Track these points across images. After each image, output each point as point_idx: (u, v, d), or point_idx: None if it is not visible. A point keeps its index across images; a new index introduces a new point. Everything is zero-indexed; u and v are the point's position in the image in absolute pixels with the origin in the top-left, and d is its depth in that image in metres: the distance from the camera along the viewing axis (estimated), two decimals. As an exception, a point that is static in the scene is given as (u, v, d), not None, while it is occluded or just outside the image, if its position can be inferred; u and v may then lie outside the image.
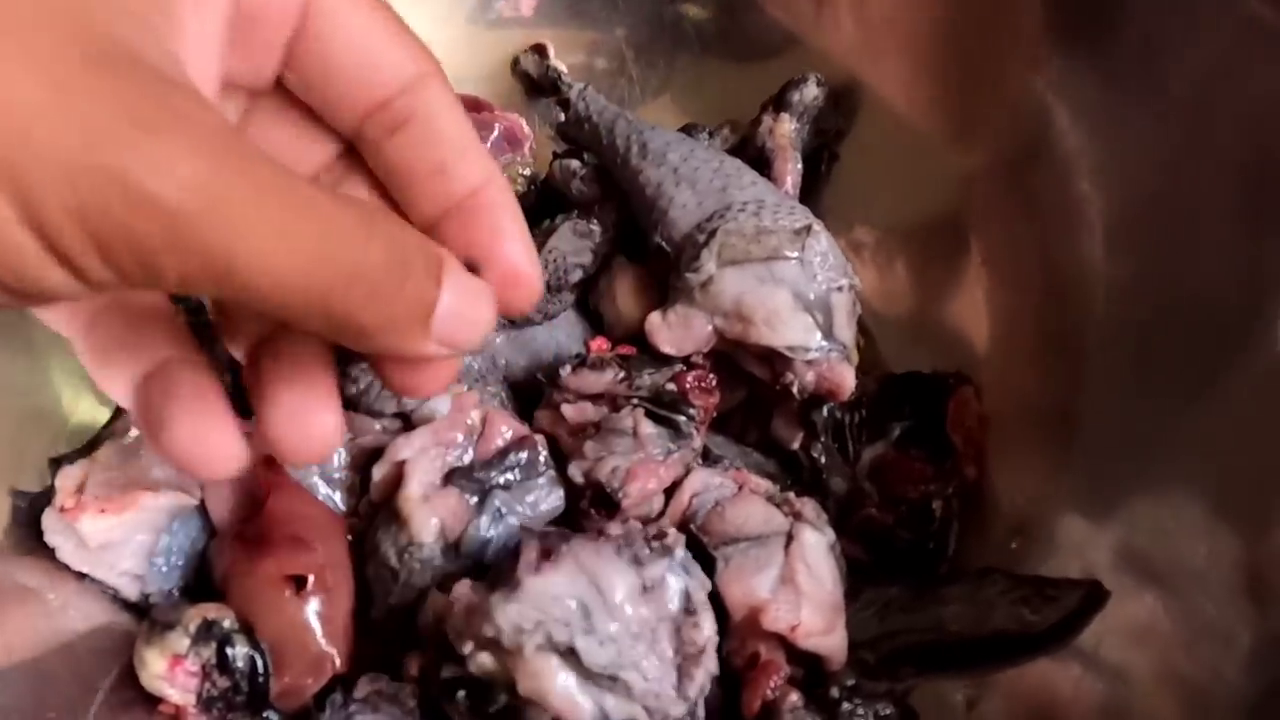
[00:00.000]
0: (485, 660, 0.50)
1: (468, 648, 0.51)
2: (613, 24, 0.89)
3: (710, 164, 0.73)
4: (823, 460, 0.70)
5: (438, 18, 0.86)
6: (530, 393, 0.72)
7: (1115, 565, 0.56)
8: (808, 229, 0.67)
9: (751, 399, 0.74)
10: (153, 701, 0.56)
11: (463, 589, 0.54)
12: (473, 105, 0.82)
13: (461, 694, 0.51)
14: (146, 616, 0.58)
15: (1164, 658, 0.54)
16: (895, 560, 0.65)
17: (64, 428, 0.65)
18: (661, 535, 0.55)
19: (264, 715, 0.56)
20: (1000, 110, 0.72)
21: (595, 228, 0.75)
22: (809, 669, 0.57)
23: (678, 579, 0.53)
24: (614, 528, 0.55)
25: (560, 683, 0.48)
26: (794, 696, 0.53)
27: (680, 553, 0.53)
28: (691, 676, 0.50)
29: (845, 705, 0.52)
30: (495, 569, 0.54)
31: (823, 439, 0.70)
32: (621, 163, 0.76)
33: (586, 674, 0.49)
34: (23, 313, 0.65)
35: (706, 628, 0.51)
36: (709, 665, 0.51)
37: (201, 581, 0.62)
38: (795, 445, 0.71)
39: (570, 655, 0.49)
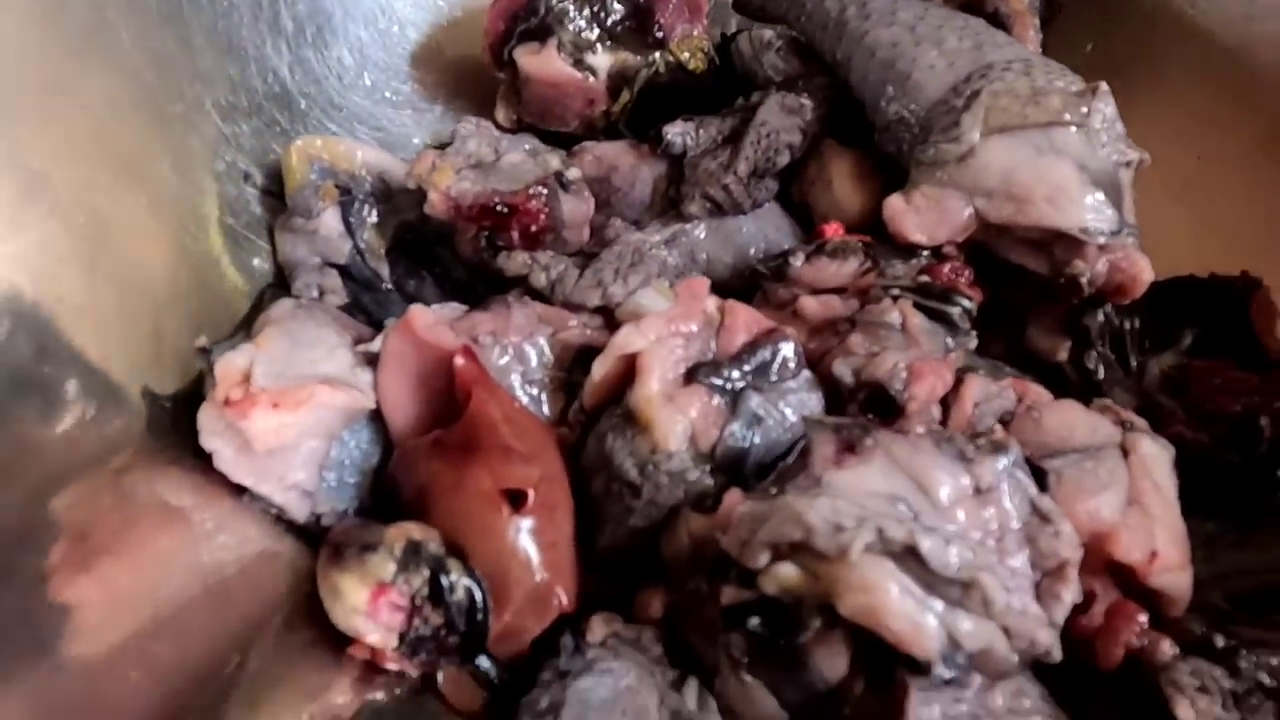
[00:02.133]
0: (788, 574, 0.41)
1: (762, 559, 0.42)
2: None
3: (954, 21, 0.64)
4: (1101, 372, 0.61)
5: None
6: (736, 293, 0.63)
7: None
8: (1093, 90, 0.58)
9: (992, 306, 0.65)
10: (340, 642, 0.47)
11: (735, 498, 0.46)
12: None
13: (755, 621, 0.42)
14: (322, 541, 0.49)
15: None
16: (1213, 490, 0.56)
17: (209, 315, 0.56)
18: (983, 433, 0.46)
19: (476, 663, 0.47)
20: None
21: (806, 102, 0.66)
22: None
23: (1016, 484, 0.44)
24: (918, 425, 0.47)
25: (899, 597, 0.39)
26: (1167, 645, 0.44)
27: (1015, 453, 0.45)
28: (1058, 597, 0.42)
29: (1246, 658, 0.42)
30: (780, 473, 0.46)
31: (1098, 348, 0.61)
32: (835, 27, 0.67)
33: (930, 584, 0.40)
34: (163, 185, 0.57)
35: (1068, 534, 0.43)
36: (1075, 586, 0.42)
37: (378, 503, 0.53)
38: (1061, 357, 0.62)
39: (909, 558, 0.40)
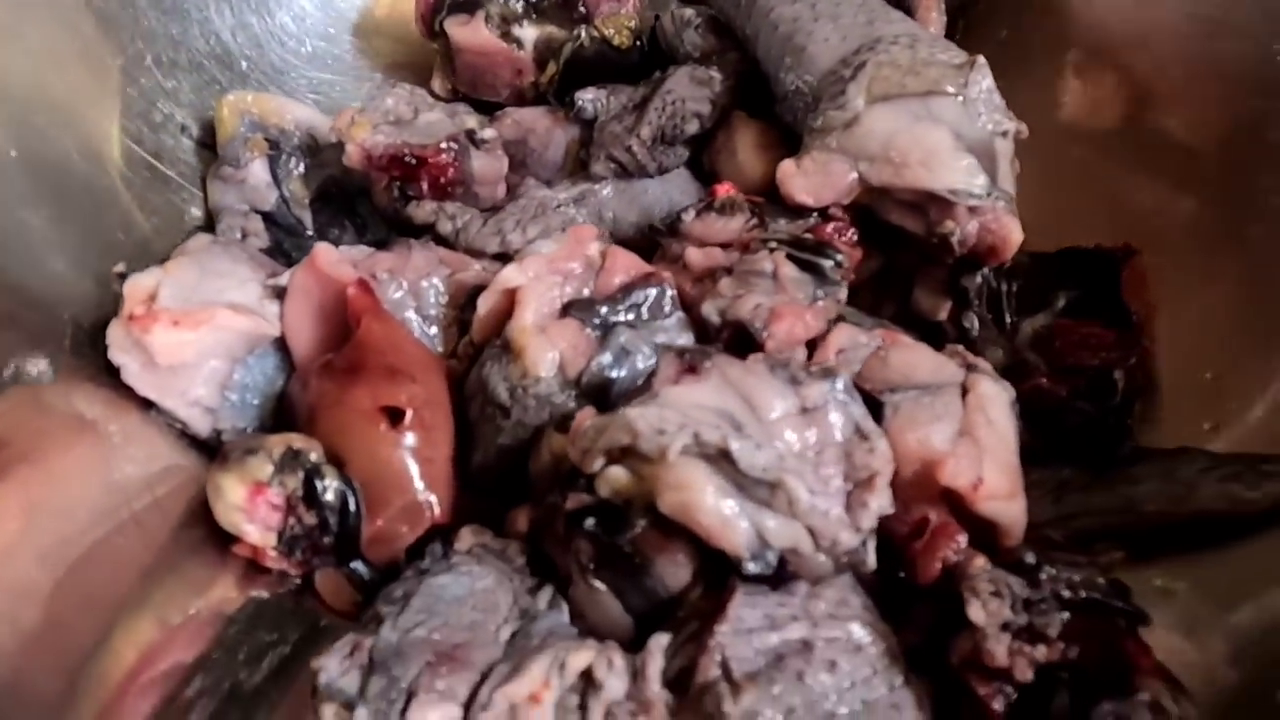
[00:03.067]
0: (618, 476, 0.46)
1: (597, 464, 0.46)
2: None
3: (852, 0, 0.68)
4: (976, 330, 0.64)
5: None
6: (639, 252, 0.67)
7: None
8: (971, 63, 0.62)
9: (886, 271, 0.69)
10: (226, 541, 0.52)
11: (585, 414, 0.50)
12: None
13: (590, 521, 0.46)
14: (219, 451, 0.53)
15: None
16: (1069, 439, 0.59)
17: (132, 249, 0.61)
18: (818, 363, 0.50)
19: (351, 566, 0.52)
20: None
21: (715, 74, 0.71)
22: (981, 545, 0.52)
23: (841, 406, 0.48)
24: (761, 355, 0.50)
25: (710, 494, 0.43)
26: (980, 560, 0.47)
27: (844, 379, 0.48)
28: (865, 504, 0.45)
29: (1047, 570, 0.46)
30: (629, 394, 0.50)
31: (976, 307, 0.65)
32: (746, 4, 0.72)
33: (740, 484, 0.44)
34: (95, 129, 0.62)
35: (882, 450, 0.46)
36: (883, 497, 0.46)
37: (280, 425, 0.57)
38: (942, 316, 0.66)
39: (722, 461, 0.44)
